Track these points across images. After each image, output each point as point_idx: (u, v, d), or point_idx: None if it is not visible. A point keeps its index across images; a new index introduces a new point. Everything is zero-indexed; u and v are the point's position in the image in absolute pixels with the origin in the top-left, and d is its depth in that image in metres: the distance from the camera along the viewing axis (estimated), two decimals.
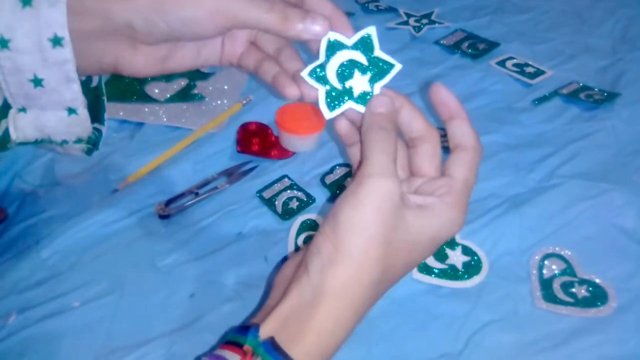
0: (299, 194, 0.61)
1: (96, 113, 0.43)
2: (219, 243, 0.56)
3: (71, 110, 0.39)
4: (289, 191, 0.61)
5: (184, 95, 0.75)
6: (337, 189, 0.61)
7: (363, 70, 0.38)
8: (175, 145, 0.68)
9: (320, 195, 0.61)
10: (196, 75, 0.79)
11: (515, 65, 0.78)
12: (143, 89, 0.76)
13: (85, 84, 0.39)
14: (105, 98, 0.45)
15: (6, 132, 0.39)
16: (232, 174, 0.64)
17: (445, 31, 0.88)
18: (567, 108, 0.70)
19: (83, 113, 0.40)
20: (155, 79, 0.77)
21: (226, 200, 0.61)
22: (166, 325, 0.49)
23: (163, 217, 0.59)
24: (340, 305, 0.34)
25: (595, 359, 0.44)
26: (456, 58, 0.82)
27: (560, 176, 0.60)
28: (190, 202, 0.60)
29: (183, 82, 0.77)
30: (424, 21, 0.90)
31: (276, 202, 0.60)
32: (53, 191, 0.63)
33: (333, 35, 0.37)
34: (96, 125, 0.43)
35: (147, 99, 0.75)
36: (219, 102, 0.75)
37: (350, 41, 0.38)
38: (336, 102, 0.38)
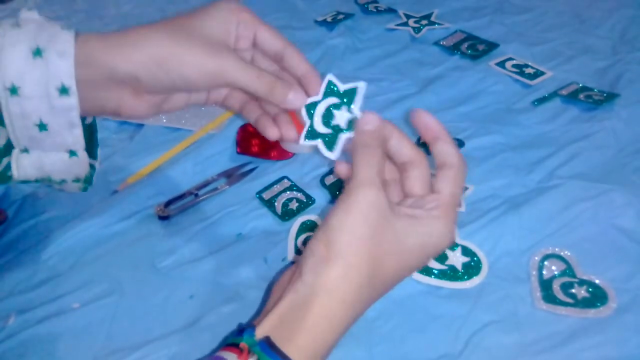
0: (299, 195, 0.61)
1: (90, 149, 0.45)
2: (219, 244, 0.56)
3: (72, 153, 0.42)
4: (288, 192, 0.61)
5: None
6: (337, 190, 0.61)
7: (337, 106, 0.42)
8: (174, 146, 0.68)
9: (320, 196, 0.61)
10: None
11: (514, 66, 0.78)
12: None
13: (81, 121, 0.41)
14: (97, 135, 0.47)
15: (7, 167, 0.41)
16: (231, 175, 0.64)
17: (445, 32, 0.88)
18: (566, 109, 0.70)
19: (83, 155, 0.42)
20: None
21: (226, 201, 0.61)
22: (166, 326, 0.49)
23: (163, 218, 0.59)
24: (332, 303, 0.35)
25: (595, 359, 0.44)
26: (456, 59, 0.82)
27: (559, 177, 0.60)
28: (190, 203, 0.60)
29: None
30: (424, 22, 0.90)
31: (276, 203, 0.60)
32: (53, 193, 0.63)
33: (308, 102, 0.43)
34: (90, 160, 0.45)
35: None
36: None
37: (319, 95, 0.43)
38: (333, 143, 0.43)
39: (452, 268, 0.51)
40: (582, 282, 0.49)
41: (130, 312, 0.50)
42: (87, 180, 0.46)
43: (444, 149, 0.40)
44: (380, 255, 0.36)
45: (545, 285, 0.49)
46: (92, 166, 0.46)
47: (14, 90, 0.37)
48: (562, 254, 0.52)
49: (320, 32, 0.92)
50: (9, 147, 0.40)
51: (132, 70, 0.39)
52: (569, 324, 0.46)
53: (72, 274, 0.54)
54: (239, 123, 0.70)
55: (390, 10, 0.95)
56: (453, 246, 0.53)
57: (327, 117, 0.43)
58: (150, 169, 0.65)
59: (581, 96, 0.71)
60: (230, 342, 0.35)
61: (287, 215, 0.58)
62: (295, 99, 0.43)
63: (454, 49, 0.83)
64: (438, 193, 0.39)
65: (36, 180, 0.43)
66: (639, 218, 0.54)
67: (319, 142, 0.43)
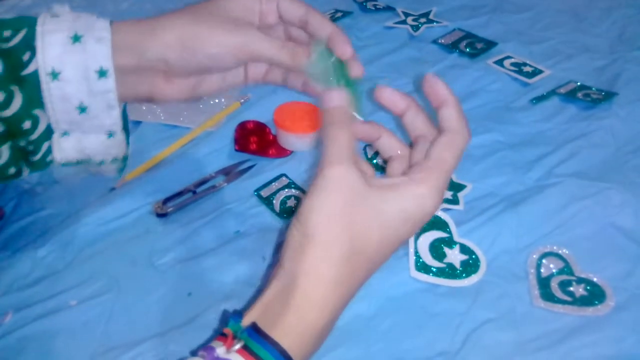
0: (297, 192, 0.61)
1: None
2: (217, 241, 0.56)
3: (110, 134, 0.43)
4: (286, 190, 0.61)
5: None
6: None
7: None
8: (172, 143, 0.68)
9: None
10: None
11: (513, 64, 0.78)
12: None
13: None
14: (129, 124, 0.48)
15: (47, 153, 0.42)
16: (229, 173, 0.64)
17: (443, 30, 0.88)
18: (564, 107, 0.70)
19: (120, 135, 0.44)
20: None
21: (224, 198, 0.61)
22: (164, 323, 0.49)
23: (161, 215, 0.59)
24: (310, 283, 0.35)
25: (593, 357, 0.44)
26: (454, 57, 0.82)
27: (558, 175, 0.60)
28: (188, 201, 0.60)
29: None
30: (422, 20, 0.90)
31: (274, 201, 0.60)
32: (50, 189, 0.63)
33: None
34: None
35: None
36: (216, 100, 0.75)
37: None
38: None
39: (451, 266, 0.51)
40: (580, 280, 0.49)
41: (127, 310, 0.50)
42: (124, 161, 0.48)
43: (446, 114, 0.40)
44: (358, 229, 0.36)
45: (543, 283, 0.49)
46: (125, 155, 0.47)
47: (54, 75, 0.38)
48: (560, 252, 0.52)
49: None
50: (49, 132, 0.42)
51: (160, 53, 0.41)
52: (566, 322, 0.47)
53: (69, 271, 0.54)
54: (237, 120, 0.70)
55: (389, 9, 0.95)
56: (451, 244, 0.53)
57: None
58: (148, 166, 0.65)
59: (579, 95, 0.71)
60: (220, 332, 0.36)
61: (285, 212, 0.58)
62: None
63: (452, 47, 0.83)
64: (427, 158, 0.39)
65: (77, 162, 0.44)
66: (637, 216, 0.54)
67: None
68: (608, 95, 0.70)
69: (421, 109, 0.42)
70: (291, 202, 0.59)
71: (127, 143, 0.48)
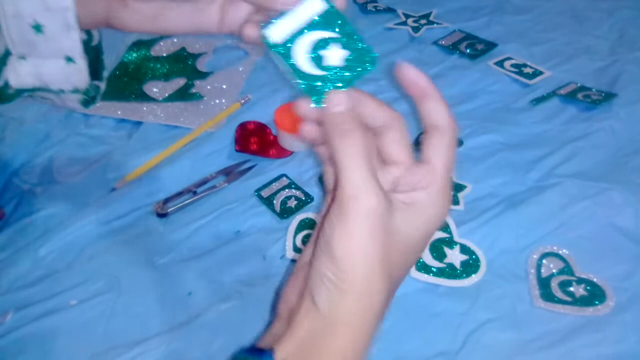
0: (297, 192, 0.61)
1: (96, 70, 0.44)
2: (217, 242, 0.56)
3: (69, 59, 0.40)
4: (287, 190, 0.61)
5: (182, 95, 0.75)
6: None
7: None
8: (173, 144, 0.68)
9: (319, 194, 0.61)
10: (194, 74, 0.79)
11: (513, 65, 0.78)
12: (141, 88, 0.76)
13: (87, 43, 0.40)
14: (104, 57, 0.45)
15: (6, 86, 0.40)
16: (230, 173, 0.64)
17: (444, 32, 0.88)
18: (565, 108, 0.70)
19: (81, 62, 0.40)
20: (153, 78, 0.77)
21: (224, 199, 0.61)
22: (164, 323, 0.49)
23: (161, 215, 0.59)
24: (355, 334, 0.33)
25: (593, 357, 0.44)
26: (454, 58, 0.82)
27: (558, 176, 0.60)
28: (189, 201, 0.60)
29: (181, 82, 0.77)
30: (423, 21, 0.90)
31: (274, 201, 0.60)
32: (51, 190, 0.63)
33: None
34: (96, 82, 0.44)
35: (146, 98, 0.75)
36: (217, 101, 0.75)
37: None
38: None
39: (451, 266, 0.51)
40: (580, 281, 0.49)
41: (128, 309, 0.50)
42: (88, 94, 0.44)
43: (434, 109, 0.34)
44: (392, 266, 0.33)
45: (544, 283, 0.49)
46: (96, 87, 0.45)
47: None
48: (560, 252, 0.52)
49: None
50: (6, 58, 0.39)
51: None
52: (567, 322, 0.47)
53: (69, 271, 0.54)
54: (238, 121, 0.70)
55: (389, 10, 0.95)
56: (452, 244, 0.53)
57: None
58: (148, 166, 0.65)
59: (579, 96, 0.71)
60: None
61: (285, 213, 0.58)
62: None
63: (452, 48, 0.83)
64: (429, 163, 0.34)
65: (33, 89, 0.41)
66: (637, 217, 0.54)
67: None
68: (608, 97, 0.70)
69: (375, 98, 0.36)
70: (291, 203, 0.59)
71: (101, 78, 0.44)
